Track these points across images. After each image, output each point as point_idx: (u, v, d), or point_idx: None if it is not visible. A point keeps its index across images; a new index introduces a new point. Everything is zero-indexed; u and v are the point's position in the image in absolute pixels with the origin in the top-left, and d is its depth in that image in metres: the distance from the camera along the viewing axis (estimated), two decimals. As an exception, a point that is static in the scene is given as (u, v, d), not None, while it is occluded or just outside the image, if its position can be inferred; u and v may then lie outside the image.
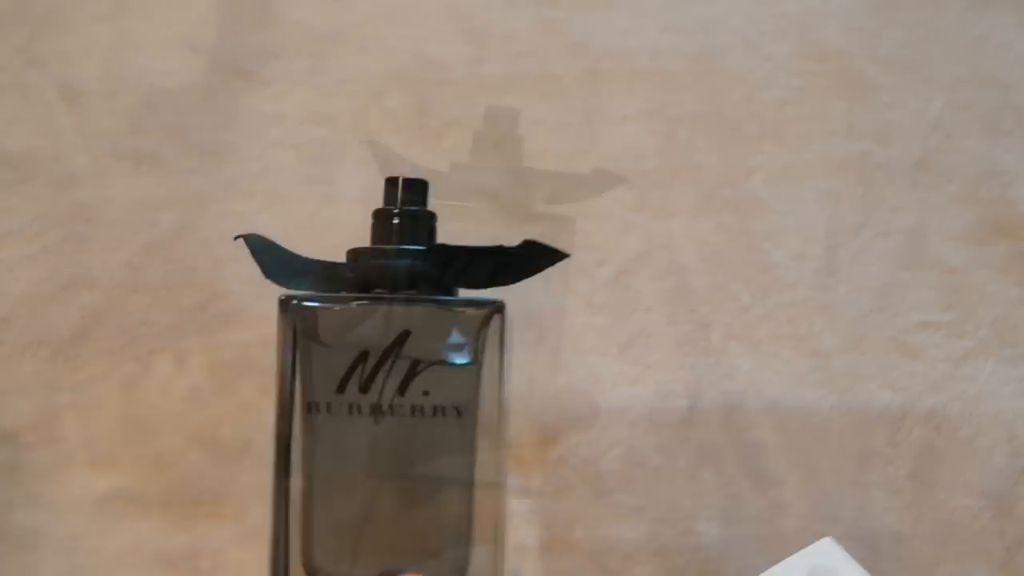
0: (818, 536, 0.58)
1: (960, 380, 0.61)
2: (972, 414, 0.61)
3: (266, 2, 0.69)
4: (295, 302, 0.35)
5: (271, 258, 0.35)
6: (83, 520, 0.61)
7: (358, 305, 0.34)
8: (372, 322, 0.35)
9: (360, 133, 0.66)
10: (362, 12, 0.69)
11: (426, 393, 0.34)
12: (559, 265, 0.64)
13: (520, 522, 0.59)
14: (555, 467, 0.60)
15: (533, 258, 0.36)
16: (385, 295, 0.35)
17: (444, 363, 0.34)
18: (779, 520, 0.59)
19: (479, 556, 0.34)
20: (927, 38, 0.67)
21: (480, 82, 0.67)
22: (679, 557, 0.59)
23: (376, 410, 0.34)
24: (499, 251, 0.36)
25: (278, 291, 0.63)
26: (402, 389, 0.34)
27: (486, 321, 0.35)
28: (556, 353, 0.62)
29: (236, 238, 0.36)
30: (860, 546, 0.58)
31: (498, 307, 0.35)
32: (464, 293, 0.36)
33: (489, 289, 0.36)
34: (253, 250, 0.35)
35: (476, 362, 0.35)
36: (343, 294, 0.35)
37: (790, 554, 0.58)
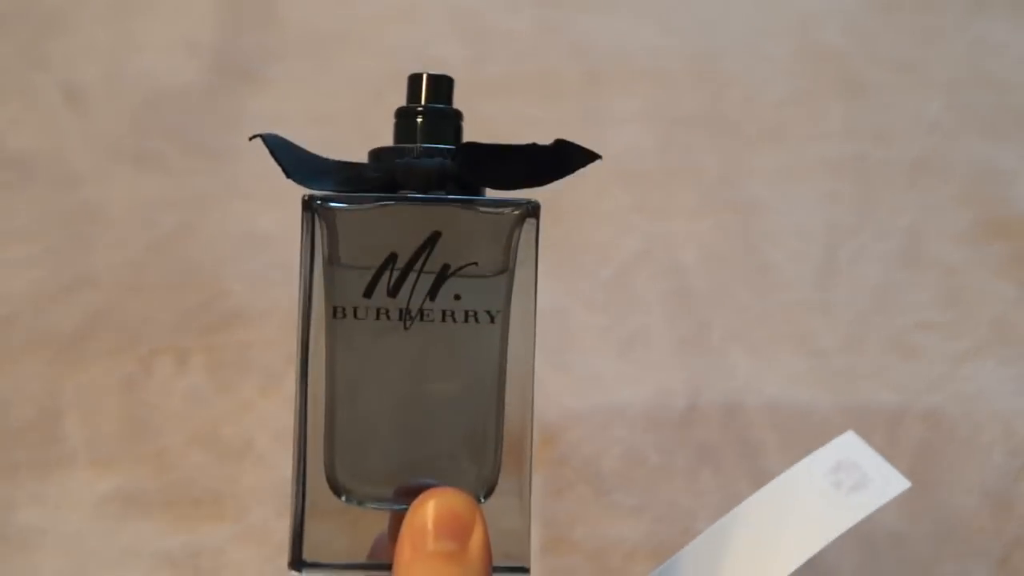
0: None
1: (959, 380, 0.61)
2: (970, 413, 0.61)
3: (268, 2, 0.70)
4: (319, 202, 0.33)
5: (291, 157, 0.34)
6: (84, 519, 0.61)
7: (385, 206, 0.33)
8: (400, 224, 0.33)
9: (361, 133, 0.66)
10: (363, 12, 0.69)
11: (457, 297, 0.33)
12: (559, 265, 0.64)
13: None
14: (555, 467, 0.60)
15: (566, 157, 0.35)
16: (413, 195, 0.34)
17: (475, 266, 0.33)
18: (778, 519, 0.59)
19: (506, 472, 0.33)
20: (926, 39, 0.67)
21: (480, 82, 0.67)
22: (679, 557, 0.59)
23: (405, 315, 0.33)
24: (531, 149, 0.34)
25: (279, 296, 0.64)
26: (432, 293, 0.33)
27: (519, 222, 0.34)
28: (556, 353, 0.62)
29: (252, 138, 0.35)
30: (859, 545, 0.58)
31: (532, 208, 0.34)
32: (492, 194, 0.35)
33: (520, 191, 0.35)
34: (272, 149, 0.33)
35: (509, 266, 0.34)
36: (369, 194, 0.34)
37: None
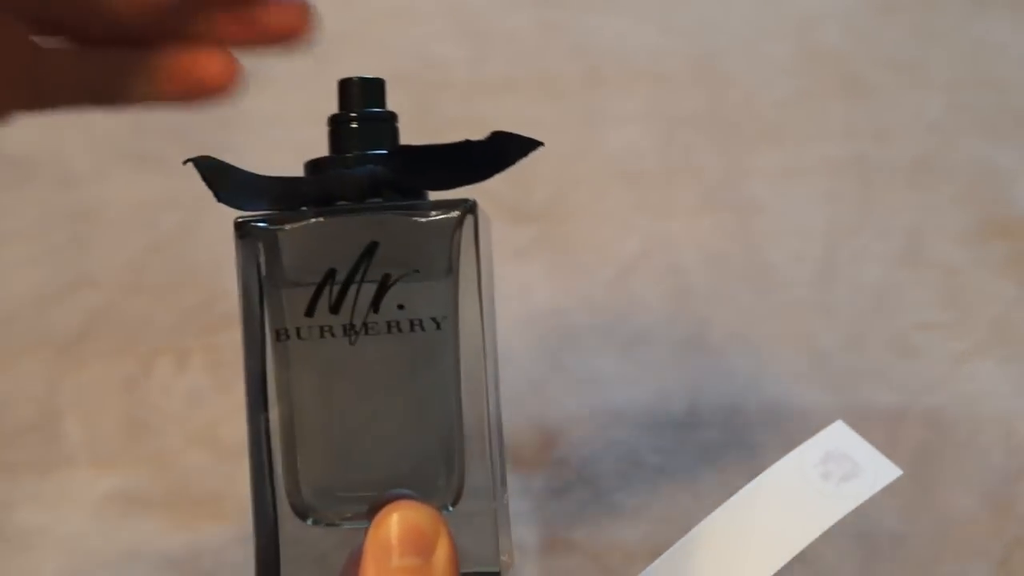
0: (817, 537, 0.58)
1: (959, 380, 0.61)
2: (971, 414, 0.61)
3: (267, 3, 0.69)
4: (252, 223, 0.33)
5: (223, 179, 0.33)
6: (84, 520, 0.61)
7: (319, 220, 0.32)
8: (336, 237, 0.32)
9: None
10: (363, 12, 0.69)
11: (401, 307, 0.32)
12: (559, 265, 0.64)
13: (520, 522, 0.59)
14: (555, 467, 0.60)
15: (503, 150, 0.33)
16: (347, 206, 0.33)
17: (417, 273, 0.32)
18: (778, 520, 0.59)
19: (473, 474, 0.32)
20: (926, 39, 0.67)
21: (480, 82, 0.67)
22: (679, 557, 0.59)
23: (350, 330, 0.32)
24: (465, 146, 0.33)
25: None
26: (375, 305, 0.32)
27: (458, 224, 0.33)
28: (556, 354, 0.62)
29: (185, 162, 0.33)
30: (859, 545, 0.58)
31: (470, 207, 0.32)
32: (434, 196, 0.34)
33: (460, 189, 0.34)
34: (203, 172, 0.33)
35: (451, 268, 0.32)
36: (302, 210, 0.32)
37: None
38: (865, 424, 0.61)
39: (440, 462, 0.32)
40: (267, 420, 0.32)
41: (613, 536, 0.60)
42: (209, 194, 0.68)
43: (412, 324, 0.31)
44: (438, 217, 0.32)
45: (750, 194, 0.65)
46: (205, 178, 0.32)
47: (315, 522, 0.32)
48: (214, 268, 0.63)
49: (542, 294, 0.63)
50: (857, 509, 0.60)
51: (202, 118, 0.67)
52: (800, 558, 0.58)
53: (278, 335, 0.32)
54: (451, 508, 0.32)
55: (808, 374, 0.62)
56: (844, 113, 0.66)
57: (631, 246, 0.64)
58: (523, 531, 0.59)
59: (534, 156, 0.67)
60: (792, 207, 0.65)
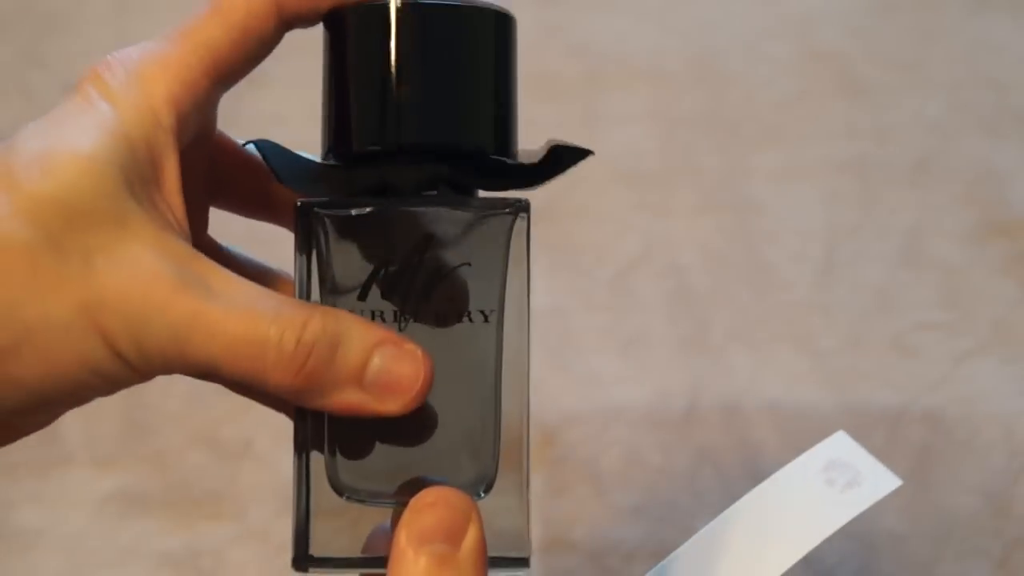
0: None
1: (959, 380, 0.61)
2: (970, 414, 0.61)
3: (267, 3, 0.69)
4: (315, 209, 0.33)
5: (284, 162, 0.34)
6: (83, 519, 0.61)
7: (378, 209, 0.33)
8: (393, 227, 0.33)
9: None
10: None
11: (451, 299, 0.33)
12: (559, 265, 0.64)
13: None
14: (555, 467, 0.60)
15: (557, 159, 0.35)
16: (406, 198, 0.34)
17: (469, 267, 0.33)
18: (778, 520, 0.59)
19: (505, 469, 0.34)
20: (926, 39, 0.67)
21: (480, 83, 0.67)
22: (679, 557, 0.59)
23: (400, 316, 0.33)
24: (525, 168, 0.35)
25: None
26: (426, 294, 0.33)
27: (511, 221, 0.33)
28: (556, 353, 0.62)
29: (245, 144, 0.34)
30: (859, 545, 0.58)
31: (524, 206, 0.33)
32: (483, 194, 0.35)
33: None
34: (264, 155, 0.33)
35: (503, 265, 0.34)
36: (364, 198, 0.33)
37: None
38: (865, 424, 0.61)
39: (475, 451, 0.33)
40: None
41: (613, 536, 0.60)
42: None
43: (461, 315, 0.33)
44: (494, 215, 0.33)
45: (750, 194, 0.65)
46: (267, 161, 0.33)
47: (349, 498, 0.33)
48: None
49: (542, 294, 0.63)
50: (857, 509, 0.60)
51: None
52: (800, 557, 0.58)
53: None
54: (483, 495, 0.33)
55: (808, 374, 0.62)
56: (844, 113, 0.66)
57: (631, 246, 0.64)
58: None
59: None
60: (792, 207, 0.65)
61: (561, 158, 0.35)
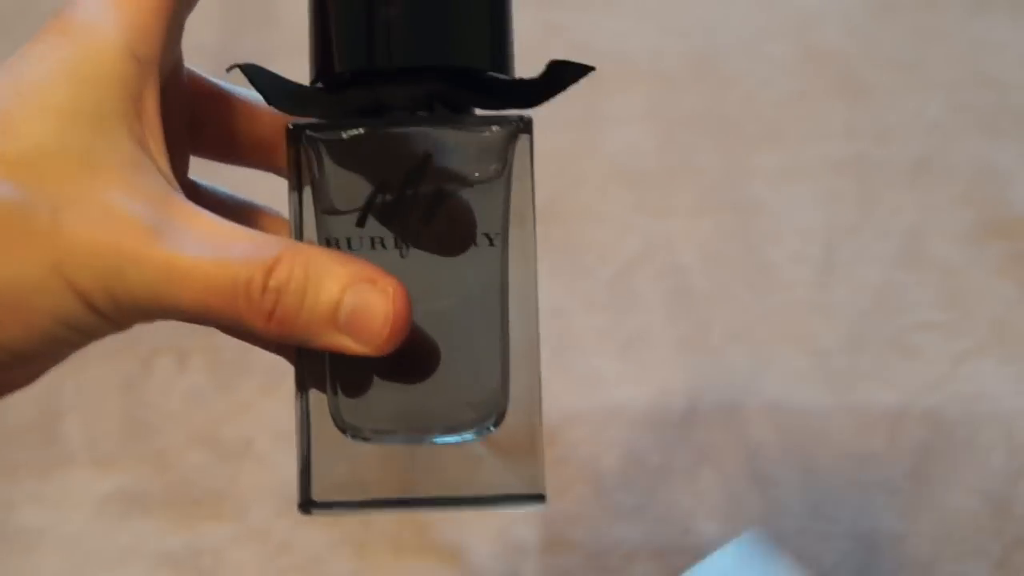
0: (818, 537, 0.58)
1: (958, 380, 0.61)
2: (970, 414, 0.61)
3: (267, 3, 0.70)
4: (308, 132, 0.32)
5: (272, 84, 0.33)
6: (84, 520, 0.61)
7: (372, 130, 0.31)
8: (389, 148, 0.31)
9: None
10: (363, 13, 0.69)
11: (453, 222, 0.32)
12: (559, 265, 0.64)
13: (520, 522, 0.59)
14: (555, 467, 0.60)
15: (558, 76, 0.33)
16: (401, 118, 0.32)
17: (470, 188, 0.32)
18: (779, 520, 0.59)
19: (516, 398, 0.32)
20: (925, 39, 0.67)
21: (480, 83, 0.67)
22: (679, 557, 0.59)
23: (400, 243, 0.32)
24: (523, 82, 0.33)
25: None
26: (427, 218, 0.32)
27: (512, 140, 0.32)
28: (556, 353, 0.62)
29: (230, 69, 0.33)
30: (859, 545, 0.58)
31: (526, 123, 0.32)
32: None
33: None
34: (250, 77, 0.32)
35: (506, 185, 0.32)
36: (357, 119, 0.32)
37: (789, 553, 0.58)
38: (865, 424, 0.61)
39: (482, 377, 0.32)
40: None
41: (613, 536, 0.60)
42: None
43: (464, 240, 0.31)
44: (494, 132, 0.32)
45: (750, 194, 0.65)
46: (255, 83, 0.32)
47: (353, 436, 0.32)
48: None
49: (542, 293, 0.63)
50: (857, 509, 0.60)
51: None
52: (800, 558, 0.58)
53: (327, 244, 0.31)
54: (493, 428, 0.32)
55: (808, 374, 0.62)
56: (844, 113, 0.66)
57: (631, 246, 0.64)
58: (523, 531, 0.59)
59: (534, 156, 0.67)
60: (792, 207, 0.65)
61: (561, 74, 0.33)
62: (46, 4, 0.73)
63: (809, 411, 0.61)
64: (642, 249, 0.64)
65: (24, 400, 0.63)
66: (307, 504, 0.32)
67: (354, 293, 0.30)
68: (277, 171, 0.35)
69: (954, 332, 0.63)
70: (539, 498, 0.32)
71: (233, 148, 0.36)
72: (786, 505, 0.59)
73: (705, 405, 0.61)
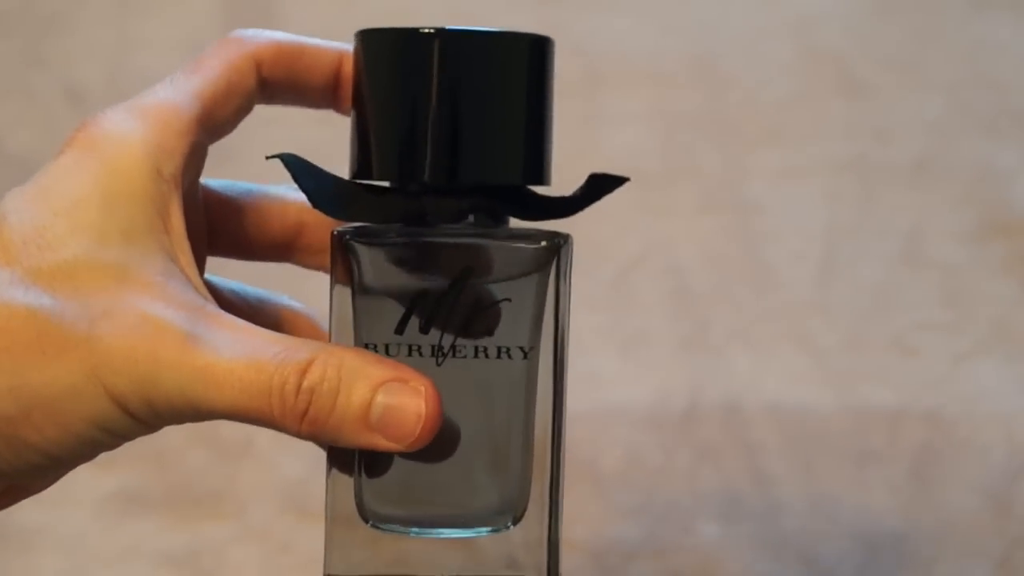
0: (818, 536, 0.58)
1: (959, 380, 0.61)
2: (971, 413, 0.61)
3: (267, 3, 0.70)
4: (349, 238, 0.32)
5: (312, 180, 0.33)
6: (84, 519, 0.61)
7: (417, 239, 0.32)
8: (430, 259, 0.32)
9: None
10: (363, 12, 0.69)
11: (490, 334, 0.32)
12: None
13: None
14: (555, 467, 0.60)
15: (594, 187, 0.34)
16: (447, 230, 0.32)
17: (509, 302, 0.32)
18: (779, 520, 0.59)
19: (533, 506, 0.33)
20: (926, 39, 0.67)
21: (480, 83, 0.67)
22: (679, 557, 0.59)
23: (438, 351, 0.32)
24: (567, 200, 0.34)
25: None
26: (464, 329, 0.32)
27: (551, 256, 0.33)
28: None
29: (269, 158, 0.33)
30: (860, 545, 0.58)
31: (563, 240, 0.33)
32: (516, 223, 0.34)
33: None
34: (294, 173, 0.33)
35: (542, 301, 0.33)
36: (407, 228, 0.32)
37: (790, 553, 0.58)
38: (865, 424, 0.61)
39: (504, 482, 0.32)
40: None
41: (613, 536, 0.60)
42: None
43: (500, 351, 0.32)
44: (533, 247, 0.32)
45: (750, 194, 0.65)
46: (298, 181, 0.32)
47: (373, 526, 0.33)
48: (214, 268, 0.63)
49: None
50: (857, 508, 0.60)
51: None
52: (800, 558, 0.58)
53: (366, 348, 0.32)
54: (511, 526, 0.33)
55: (808, 374, 0.62)
56: (844, 113, 0.66)
57: (631, 246, 0.64)
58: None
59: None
60: (792, 207, 0.65)
61: (598, 187, 0.34)
62: (46, 4, 0.74)
63: (809, 411, 0.61)
64: (642, 249, 0.64)
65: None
66: None
67: (386, 392, 0.30)
68: (293, 262, 0.36)
69: (954, 332, 0.63)
70: None
71: (247, 249, 0.38)
72: (786, 505, 0.59)
73: (705, 405, 0.61)
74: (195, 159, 0.33)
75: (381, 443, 0.31)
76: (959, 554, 0.58)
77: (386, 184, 0.33)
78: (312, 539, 0.60)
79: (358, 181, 0.34)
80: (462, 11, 0.68)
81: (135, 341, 0.29)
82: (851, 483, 0.60)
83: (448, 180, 0.32)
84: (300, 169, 0.33)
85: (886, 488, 0.59)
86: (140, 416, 0.30)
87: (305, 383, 0.30)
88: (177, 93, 0.33)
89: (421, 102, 0.33)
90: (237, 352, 0.30)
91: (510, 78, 0.34)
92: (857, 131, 0.66)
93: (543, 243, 0.32)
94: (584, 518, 0.60)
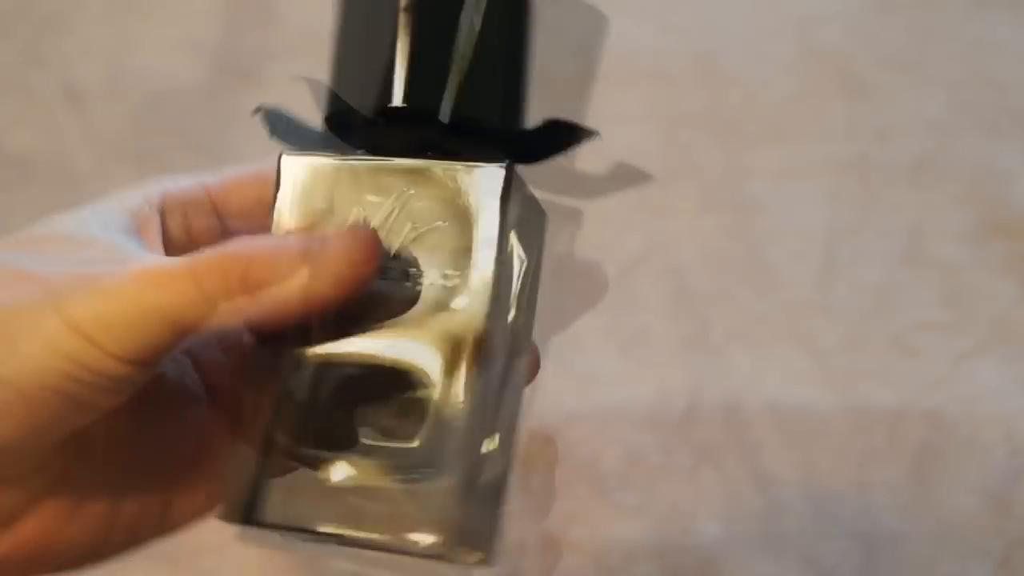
0: (818, 537, 0.58)
1: (959, 379, 0.62)
2: (971, 413, 0.61)
3: (267, 2, 0.70)
4: (298, 159, 0.33)
5: (287, 131, 0.34)
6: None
7: (356, 163, 0.33)
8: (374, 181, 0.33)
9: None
10: (363, 13, 0.69)
11: (416, 259, 0.32)
12: (560, 265, 0.64)
13: (520, 521, 0.59)
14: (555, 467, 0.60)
15: (558, 136, 0.34)
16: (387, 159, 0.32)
17: (442, 225, 0.32)
18: (779, 519, 0.59)
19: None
20: (926, 39, 0.67)
21: (480, 83, 0.67)
22: (679, 557, 0.59)
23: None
24: (519, 133, 0.34)
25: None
26: (395, 253, 0.32)
27: (489, 183, 0.32)
28: (556, 353, 0.62)
29: (255, 112, 0.34)
30: (859, 545, 0.58)
31: (507, 169, 0.32)
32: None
33: None
34: (270, 124, 0.33)
35: (473, 226, 0.32)
36: (351, 154, 0.33)
37: (790, 553, 0.58)
38: (865, 424, 0.61)
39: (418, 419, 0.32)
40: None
41: (613, 536, 0.60)
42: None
43: (422, 275, 0.31)
44: (468, 171, 0.32)
45: (750, 194, 0.65)
46: (272, 130, 0.33)
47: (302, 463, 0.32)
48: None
49: (542, 293, 0.63)
50: (857, 509, 0.60)
51: (202, 118, 0.67)
52: (800, 558, 0.58)
53: None
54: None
55: (808, 374, 0.62)
56: (844, 113, 0.66)
57: (631, 246, 0.64)
58: (523, 531, 0.59)
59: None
60: (792, 207, 0.65)
61: (562, 134, 0.34)
62: (46, 4, 0.74)
63: (809, 411, 0.61)
64: (642, 249, 0.64)
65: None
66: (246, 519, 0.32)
67: (318, 243, 0.31)
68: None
69: (955, 332, 0.63)
70: (484, 561, 0.32)
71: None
72: (786, 505, 0.59)
73: (705, 405, 0.61)
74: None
75: (318, 286, 0.30)
76: (959, 554, 0.58)
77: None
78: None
79: (329, 120, 0.34)
80: (462, 11, 0.68)
81: (87, 273, 0.31)
82: (851, 482, 0.60)
83: (398, 109, 0.32)
84: (277, 121, 0.33)
85: (886, 487, 0.59)
86: (97, 340, 0.30)
87: (239, 252, 0.31)
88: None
89: (387, 29, 0.33)
90: (175, 260, 0.31)
91: (486, 14, 0.34)
92: (857, 131, 0.66)
93: (478, 169, 0.32)
94: (584, 518, 0.60)
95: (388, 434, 0.31)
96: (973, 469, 0.60)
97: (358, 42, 0.34)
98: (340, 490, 0.32)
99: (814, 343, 0.62)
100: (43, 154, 0.66)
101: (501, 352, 0.32)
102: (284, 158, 0.33)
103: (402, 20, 0.33)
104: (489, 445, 0.32)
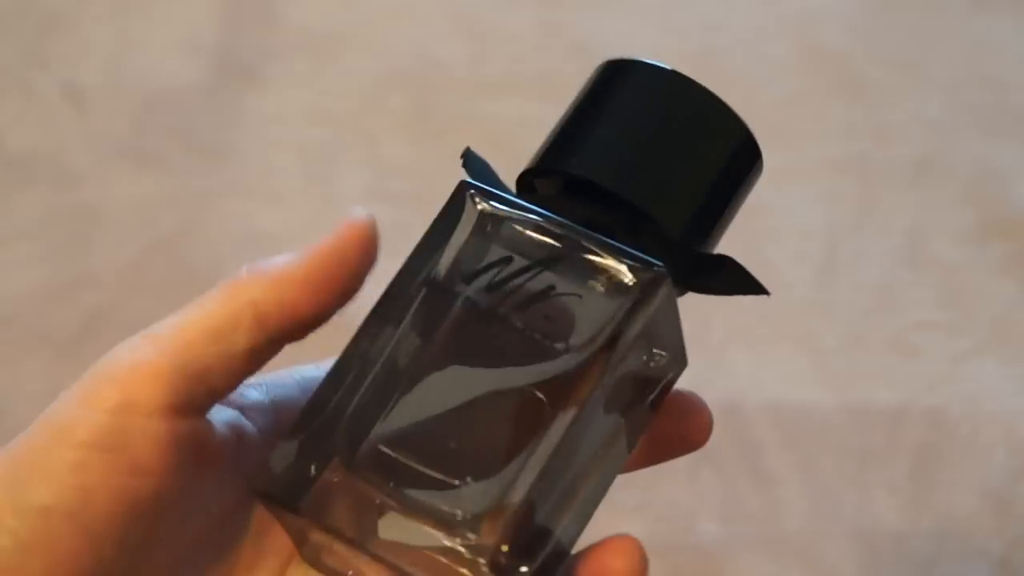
0: (818, 537, 0.58)
1: (959, 379, 0.61)
2: (971, 413, 0.61)
3: (267, 2, 0.70)
4: (473, 192, 0.32)
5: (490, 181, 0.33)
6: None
7: (538, 219, 0.32)
8: (531, 238, 0.32)
9: (360, 133, 0.66)
10: (363, 12, 0.69)
11: (547, 318, 0.33)
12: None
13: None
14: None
15: (727, 276, 0.34)
16: (571, 229, 0.32)
17: (579, 298, 0.32)
18: (779, 519, 0.59)
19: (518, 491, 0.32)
20: (926, 39, 0.67)
21: (480, 82, 0.67)
22: (679, 557, 0.59)
23: (491, 312, 0.31)
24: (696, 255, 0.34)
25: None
26: (526, 305, 0.32)
27: (640, 290, 0.32)
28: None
29: (465, 154, 0.33)
30: (860, 545, 0.58)
31: (661, 275, 0.32)
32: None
33: None
34: (473, 175, 0.33)
35: (615, 316, 0.31)
36: (532, 207, 0.32)
37: (790, 553, 0.58)
38: (865, 424, 0.61)
39: (500, 466, 0.31)
40: (381, 341, 0.31)
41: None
42: (210, 193, 0.68)
43: (544, 335, 0.31)
44: (624, 259, 0.31)
45: (750, 194, 0.65)
46: (471, 173, 0.33)
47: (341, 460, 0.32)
48: (215, 267, 0.63)
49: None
50: (857, 509, 0.60)
51: (202, 118, 0.67)
52: (800, 558, 0.58)
53: (425, 282, 0.32)
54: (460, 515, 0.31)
55: (808, 374, 0.62)
56: (844, 113, 0.66)
57: (631, 246, 0.64)
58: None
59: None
60: (793, 207, 0.65)
61: (732, 280, 0.34)
62: (46, 4, 0.74)
63: (809, 411, 0.61)
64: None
65: (24, 400, 0.63)
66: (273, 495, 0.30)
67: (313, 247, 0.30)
68: None
69: (954, 332, 0.63)
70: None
71: None
72: (786, 505, 0.59)
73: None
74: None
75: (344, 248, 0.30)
76: (959, 554, 0.58)
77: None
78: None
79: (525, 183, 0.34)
80: (463, 10, 0.68)
81: None
82: (851, 482, 0.60)
83: (595, 181, 0.33)
84: (480, 173, 0.33)
85: (886, 487, 0.59)
86: None
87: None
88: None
89: (632, 123, 0.34)
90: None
91: (713, 143, 0.35)
92: (857, 131, 0.66)
93: (629, 274, 0.31)
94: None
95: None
96: (973, 469, 0.59)
97: (605, 114, 0.34)
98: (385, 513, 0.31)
99: (814, 343, 0.62)
100: (43, 154, 0.66)
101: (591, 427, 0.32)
102: (465, 186, 0.32)
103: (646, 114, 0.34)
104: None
